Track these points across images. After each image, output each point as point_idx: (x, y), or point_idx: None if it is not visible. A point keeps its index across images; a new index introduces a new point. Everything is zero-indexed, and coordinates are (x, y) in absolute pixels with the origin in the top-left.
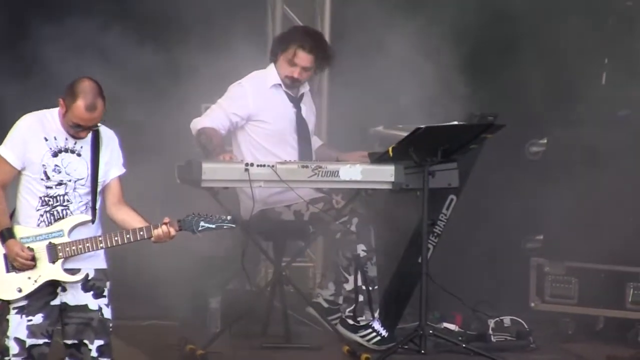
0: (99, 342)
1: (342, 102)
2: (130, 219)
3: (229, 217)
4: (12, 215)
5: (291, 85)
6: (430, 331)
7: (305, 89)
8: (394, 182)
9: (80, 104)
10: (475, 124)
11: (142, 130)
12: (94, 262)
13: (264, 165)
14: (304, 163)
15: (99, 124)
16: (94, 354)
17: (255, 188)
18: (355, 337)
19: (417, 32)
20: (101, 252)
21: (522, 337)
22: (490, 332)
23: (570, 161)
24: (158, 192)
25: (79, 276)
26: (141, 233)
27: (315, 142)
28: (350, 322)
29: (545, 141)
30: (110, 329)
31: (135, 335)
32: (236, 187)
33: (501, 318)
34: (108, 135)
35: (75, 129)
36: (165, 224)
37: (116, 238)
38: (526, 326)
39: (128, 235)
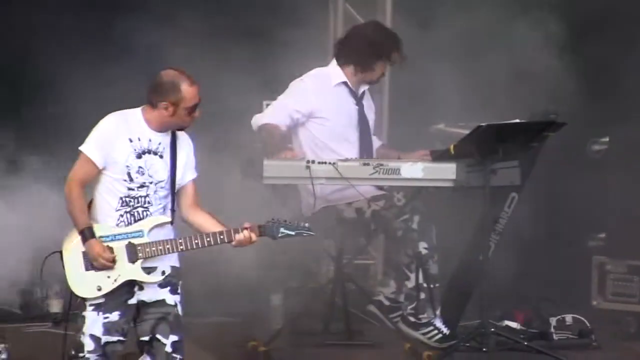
0: (174, 338)
1: (403, 100)
2: (207, 223)
3: (306, 225)
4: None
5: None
6: (492, 329)
7: (365, 87)
8: (455, 180)
9: (185, 86)
10: (536, 122)
11: (203, 127)
12: (170, 260)
13: (325, 163)
14: (365, 161)
15: None
16: (168, 349)
17: (317, 185)
18: (417, 334)
19: (479, 28)
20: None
21: (584, 336)
22: (552, 330)
23: (633, 159)
24: (222, 187)
25: (158, 277)
26: (221, 237)
27: (375, 142)
28: (412, 319)
29: (607, 140)
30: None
31: (198, 332)
32: (297, 184)
33: (563, 316)
34: (184, 139)
35: (192, 113)
36: (247, 228)
37: (196, 241)
38: (588, 324)
39: (208, 239)
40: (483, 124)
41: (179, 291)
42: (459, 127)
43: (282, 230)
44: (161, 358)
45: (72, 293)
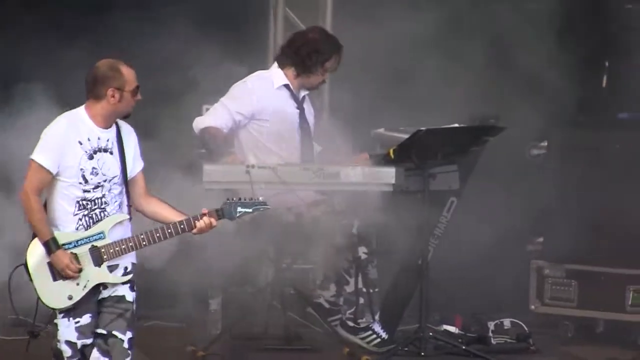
0: (129, 335)
1: (343, 104)
2: (162, 210)
3: (261, 199)
4: None
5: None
6: (430, 333)
7: (305, 92)
8: (394, 184)
9: (125, 69)
10: (476, 127)
11: (143, 130)
12: (130, 257)
13: (266, 167)
14: (305, 165)
15: None
16: (125, 345)
17: (257, 190)
18: (356, 339)
19: (418, 33)
20: None
21: (522, 340)
22: (490, 334)
23: (570, 163)
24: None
25: (126, 277)
26: (182, 227)
27: (315, 147)
28: (351, 324)
29: (546, 144)
30: None
31: (136, 336)
32: (238, 189)
33: (501, 320)
34: (128, 130)
35: (135, 96)
36: (205, 214)
37: (158, 234)
38: (526, 329)
39: (170, 230)
40: (422, 129)
41: (135, 288)
42: (399, 131)
43: (239, 209)
44: (116, 354)
45: (40, 303)
